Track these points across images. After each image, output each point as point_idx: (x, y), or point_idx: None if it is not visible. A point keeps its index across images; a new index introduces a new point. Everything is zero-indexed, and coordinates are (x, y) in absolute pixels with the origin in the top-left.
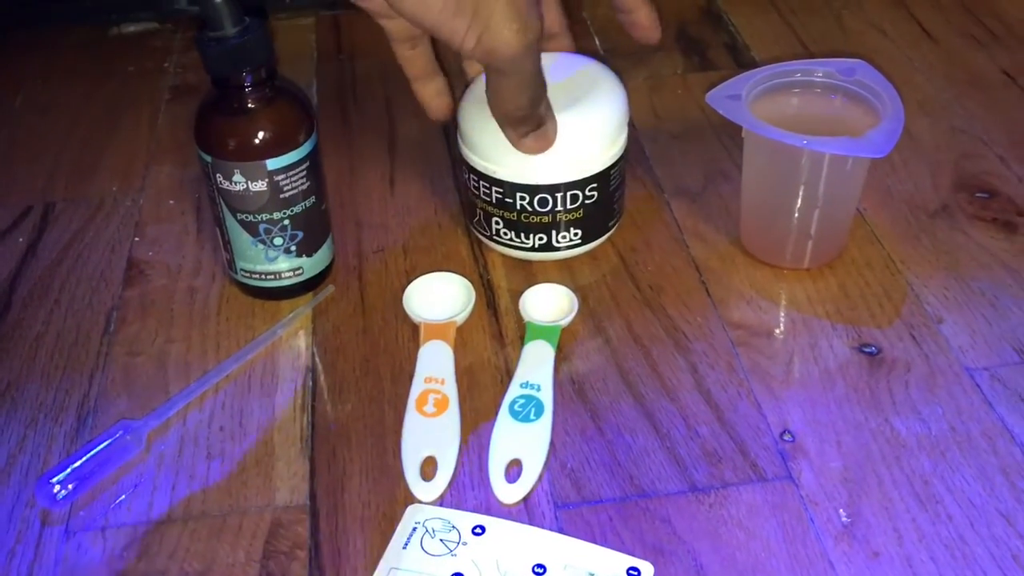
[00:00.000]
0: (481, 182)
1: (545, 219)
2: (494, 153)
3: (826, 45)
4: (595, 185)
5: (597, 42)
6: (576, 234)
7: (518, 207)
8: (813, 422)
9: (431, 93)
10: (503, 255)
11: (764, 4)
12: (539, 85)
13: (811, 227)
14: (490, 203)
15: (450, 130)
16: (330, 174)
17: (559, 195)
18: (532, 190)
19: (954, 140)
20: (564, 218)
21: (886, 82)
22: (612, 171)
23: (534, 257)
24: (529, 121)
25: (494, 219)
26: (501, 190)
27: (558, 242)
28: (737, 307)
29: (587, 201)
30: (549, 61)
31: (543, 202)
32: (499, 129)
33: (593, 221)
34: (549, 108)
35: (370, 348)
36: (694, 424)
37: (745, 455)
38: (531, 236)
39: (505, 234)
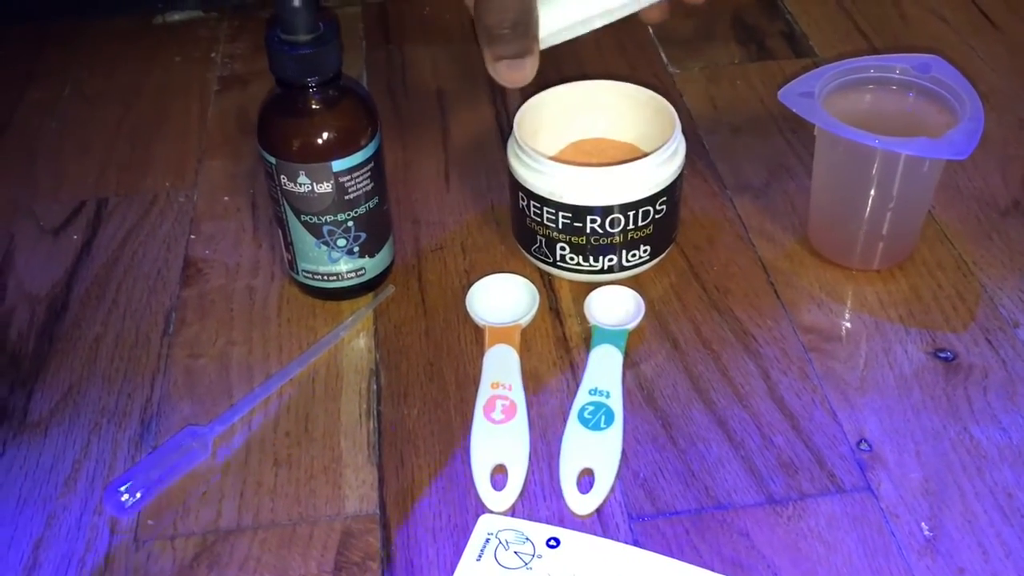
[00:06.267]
0: (545, 208)
1: (616, 239)
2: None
3: (885, 34)
4: (664, 199)
5: (650, 31)
6: (645, 251)
7: (588, 230)
8: (890, 431)
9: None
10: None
11: None
12: (524, 10)
13: (883, 227)
14: (555, 229)
15: (503, 123)
16: (386, 168)
17: (631, 213)
18: (604, 211)
19: (1023, 134)
20: (635, 236)
21: (962, 79)
22: (677, 182)
23: (601, 279)
24: (509, 45)
25: (559, 245)
26: (569, 215)
27: (627, 261)
28: (808, 310)
29: (657, 216)
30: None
31: (615, 223)
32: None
33: (661, 235)
34: (533, 41)
35: (433, 351)
36: (768, 433)
37: (822, 465)
38: (600, 259)
39: (571, 259)
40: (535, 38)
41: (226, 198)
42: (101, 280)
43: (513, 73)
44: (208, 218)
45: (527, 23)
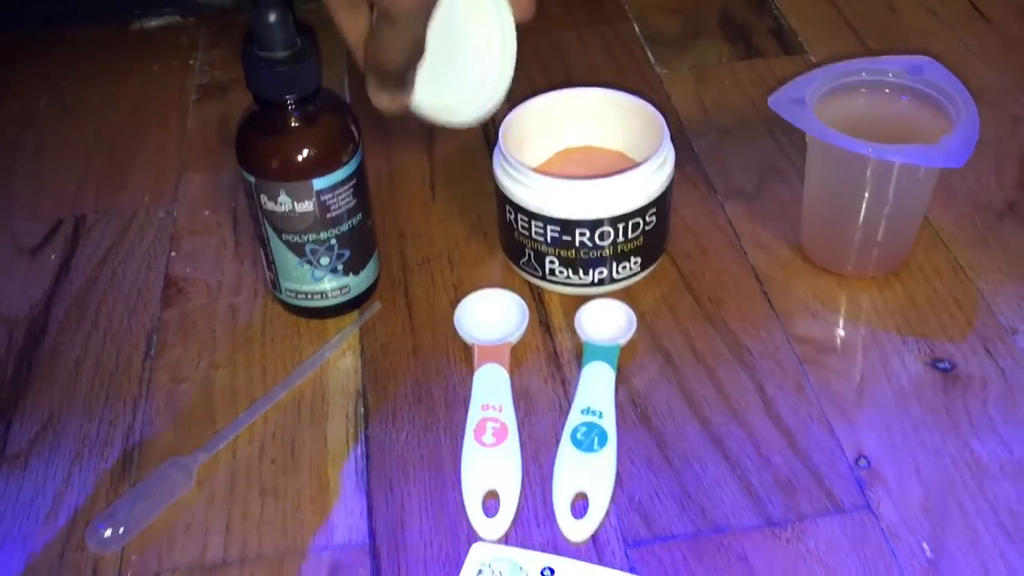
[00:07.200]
0: (533, 222)
1: (605, 252)
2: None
3: (875, 29)
4: (654, 210)
5: (636, 28)
6: (636, 262)
7: (577, 244)
8: (889, 446)
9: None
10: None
11: None
12: (418, 50)
13: (878, 234)
14: (544, 243)
15: (490, 133)
16: (369, 180)
17: (620, 226)
18: (593, 225)
19: (1017, 131)
20: (625, 248)
21: (956, 80)
22: (667, 191)
23: (592, 292)
24: (396, 80)
25: (548, 259)
26: (558, 228)
27: (618, 273)
28: (802, 320)
29: (647, 228)
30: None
31: (604, 235)
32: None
33: (651, 246)
34: (414, 76)
35: (421, 371)
36: (765, 451)
37: (820, 484)
38: (590, 271)
39: (561, 272)
40: (415, 74)
41: (207, 212)
42: (80, 301)
43: (394, 103)
44: (189, 234)
45: (415, 60)
